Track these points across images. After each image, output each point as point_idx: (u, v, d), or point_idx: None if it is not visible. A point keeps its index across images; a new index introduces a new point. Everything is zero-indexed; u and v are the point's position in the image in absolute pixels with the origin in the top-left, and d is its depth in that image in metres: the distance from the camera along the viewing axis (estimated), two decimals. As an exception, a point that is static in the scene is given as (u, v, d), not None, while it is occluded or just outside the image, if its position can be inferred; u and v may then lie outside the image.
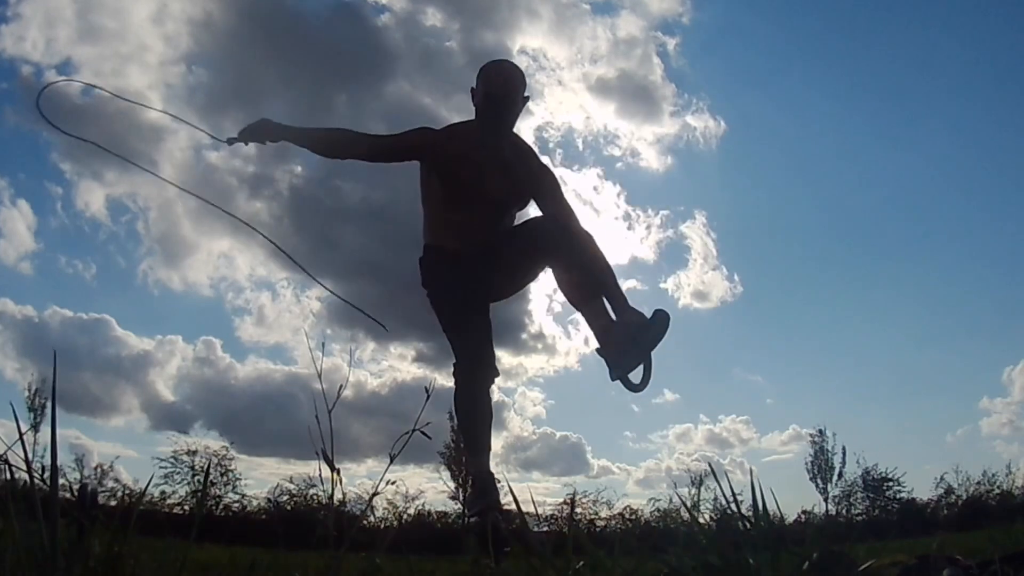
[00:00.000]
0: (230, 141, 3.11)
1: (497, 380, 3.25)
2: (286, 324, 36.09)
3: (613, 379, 2.97)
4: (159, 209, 38.74)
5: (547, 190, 3.22)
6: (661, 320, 2.86)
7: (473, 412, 3.19)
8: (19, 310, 33.93)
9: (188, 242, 40.94)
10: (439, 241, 3.25)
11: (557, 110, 45.42)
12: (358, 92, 36.32)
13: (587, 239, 3.08)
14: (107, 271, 38.64)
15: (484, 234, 3.20)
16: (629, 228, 38.23)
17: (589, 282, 3.04)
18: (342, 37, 34.71)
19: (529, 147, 3.27)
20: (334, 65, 34.78)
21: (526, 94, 3.20)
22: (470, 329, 3.16)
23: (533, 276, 3.30)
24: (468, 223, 3.19)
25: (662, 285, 38.78)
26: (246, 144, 3.12)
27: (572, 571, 1.63)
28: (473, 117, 3.22)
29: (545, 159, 3.33)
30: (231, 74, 37.14)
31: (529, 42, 42.57)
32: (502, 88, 3.11)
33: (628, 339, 2.89)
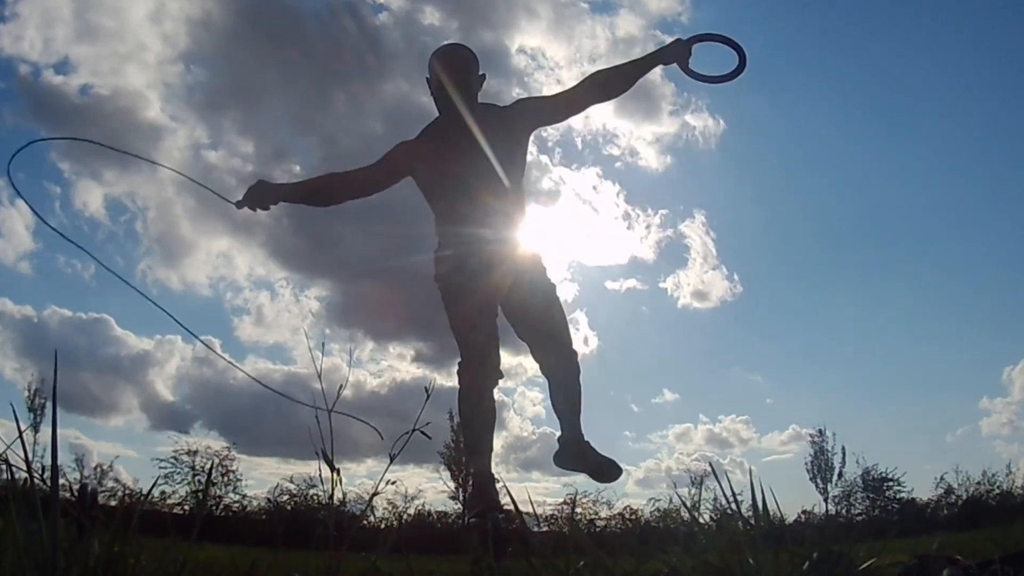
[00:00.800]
0: (238, 205, 3.16)
1: (500, 381, 3.25)
2: (285, 324, 36.11)
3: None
4: (157, 209, 38.80)
5: (537, 112, 3.26)
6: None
7: (476, 413, 3.18)
8: (18, 310, 33.97)
9: (187, 242, 40.93)
10: (450, 234, 3.25)
11: (556, 109, 45.33)
12: (356, 91, 36.35)
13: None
14: (105, 271, 38.63)
15: (490, 239, 3.19)
16: (628, 228, 38.25)
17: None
18: (340, 36, 34.73)
19: (493, 105, 3.26)
20: (332, 64, 34.80)
21: (480, 72, 3.20)
22: (478, 329, 3.16)
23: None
24: (470, 216, 3.18)
25: (661, 285, 38.88)
26: (253, 210, 3.15)
27: (572, 571, 1.63)
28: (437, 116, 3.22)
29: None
30: (230, 73, 37.18)
31: (528, 41, 42.67)
32: (454, 74, 3.11)
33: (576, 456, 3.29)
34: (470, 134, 3.12)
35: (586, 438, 3.25)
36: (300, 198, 3.25)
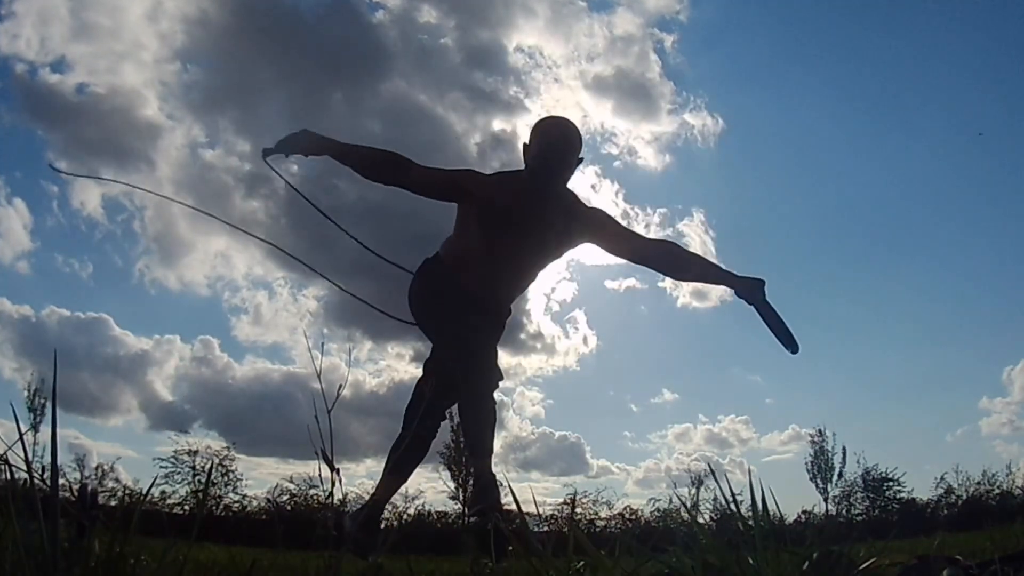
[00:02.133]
0: (265, 153, 2.98)
1: (500, 382, 3.25)
2: (283, 323, 36.12)
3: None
4: (155, 208, 38.76)
5: (604, 233, 3.17)
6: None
7: (477, 414, 3.19)
8: (16, 309, 33.95)
9: (185, 241, 40.92)
10: (456, 267, 3.23)
11: (554, 108, 45.41)
12: (354, 90, 36.32)
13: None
14: (104, 270, 38.70)
15: (503, 282, 3.20)
16: (628, 227, 38.19)
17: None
18: (337, 34, 34.73)
19: (575, 198, 3.15)
20: (330, 63, 34.79)
21: (581, 155, 3.07)
22: (470, 329, 3.16)
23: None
24: (493, 268, 3.17)
25: (660, 284, 38.86)
26: (286, 156, 2.99)
27: (572, 571, 1.63)
28: (521, 168, 3.10)
29: (596, 203, 3.24)
30: (226, 72, 37.14)
31: (525, 40, 42.61)
32: (560, 152, 3.00)
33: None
34: (544, 203, 3.06)
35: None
36: (352, 160, 3.06)
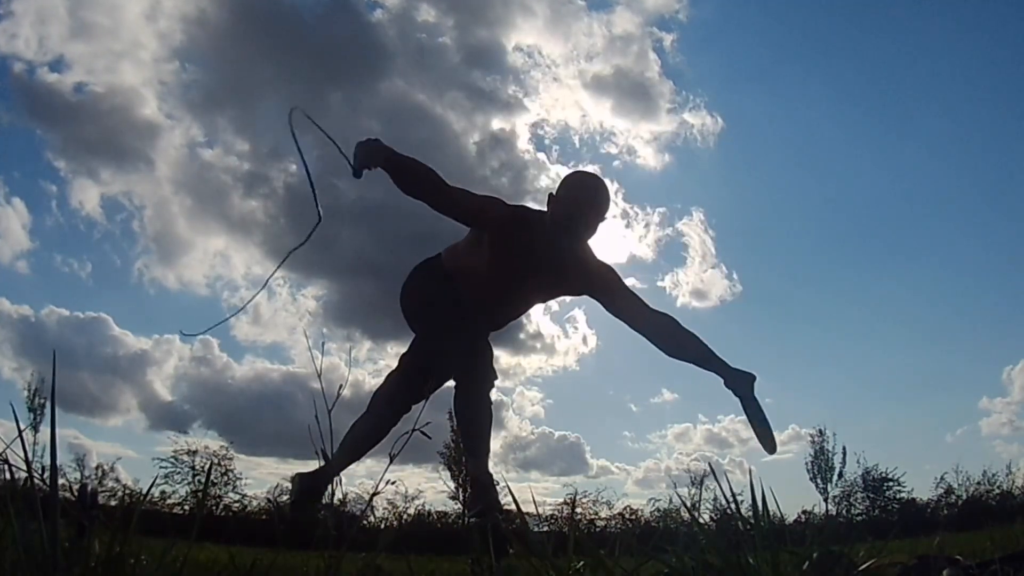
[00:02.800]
0: (357, 174, 3.03)
1: (496, 381, 3.26)
2: (282, 323, 36.19)
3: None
4: (154, 207, 38.87)
5: (609, 293, 3.17)
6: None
7: (474, 415, 3.19)
8: (15, 309, 34.02)
9: (184, 240, 41.03)
10: (455, 276, 3.25)
11: (553, 107, 45.60)
12: (353, 89, 36.40)
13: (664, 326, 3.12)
14: (103, 270, 38.78)
15: (498, 308, 3.23)
16: (627, 226, 38.23)
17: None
18: (336, 33, 34.75)
19: (588, 255, 3.14)
20: (328, 61, 34.83)
21: (606, 215, 3.03)
22: (467, 330, 3.16)
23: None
24: (492, 292, 3.19)
25: (660, 283, 38.82)
26: (371, 168, 3.02)
27: (572, 571, 1.63)
28: (545, 209, 3.07)
29: (605, 260, 3.19)
30: (225, 71, 37.25)
31: (524, 39, 42.81)
32: (587, 217, 2.97)
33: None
34: (552, 262, 3.08)
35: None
36: (397, 173, 3.08)
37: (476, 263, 3.18)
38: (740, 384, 3.01)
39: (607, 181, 3.06)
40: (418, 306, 3.32)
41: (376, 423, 3.13)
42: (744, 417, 3.04)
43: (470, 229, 3.21)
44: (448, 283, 3.24)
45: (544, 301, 3.37)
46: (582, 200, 2.96)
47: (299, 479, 3.27)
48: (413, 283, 3.35)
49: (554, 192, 3.05)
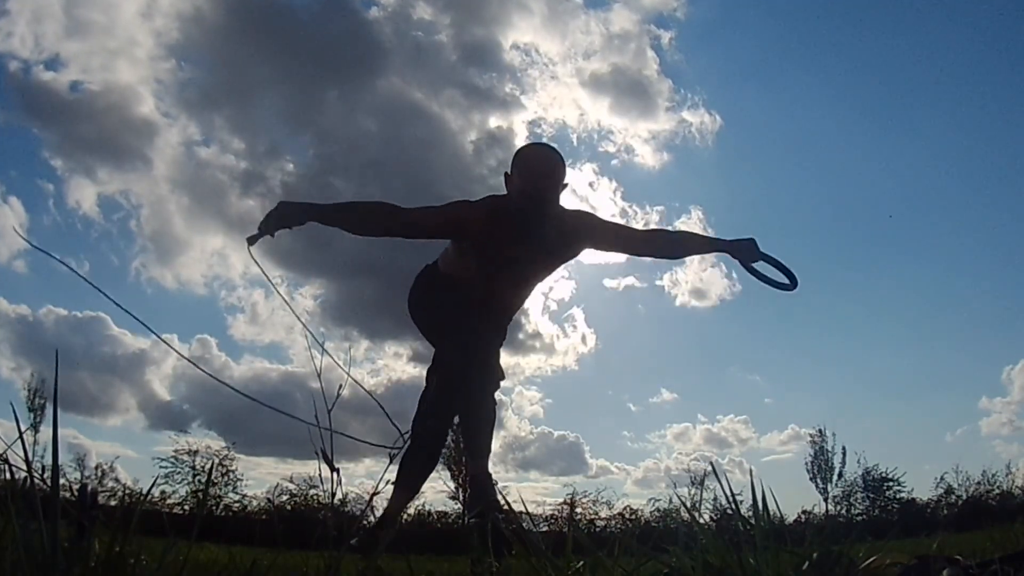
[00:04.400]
0: (251, 240, 2.92)
1: (502, 382, 3.26)
2: (280, 322, 36.09)
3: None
4: (151, 207, 38.81)
5: (596, 239, 3.19)
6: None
7: (476, 414, 3.19)
8: (13, 309, 33.98)
9: (181, 240, 40.98)
10: (456, 279, 3.25)
11: (550, 106, 45.49)
12: (349, 87, 36.34)
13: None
14: (100, 269, 38.57)
15: (501, 301, 3.22)
16: (615, 223, 38.13)
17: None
18: (332, 31, 34.72)
19: (563, 217, 3.11)
20: (325, 60, 34.81)
21: (566, 181, 3.04)
22: (472, 329, 3.16)
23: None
24: (490, 288, 3.18)
25: (658, 283, 38.85)
26: (272, 236, 2.92)
27: (572, 571, 1.63)
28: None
29: (594, 201, 3.30)
30: (222, 70, 37.15)
31: (521, 37, 42.75)
32: (542, 187, 2.96)
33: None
34: (528, 245, 3.07)
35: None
36: (337, 221, 3.01)
37: (466, 265, 3.19)
38: (747, 253, 3.09)
39: (556, 148, 3.05)
40: (426, 313, 3.32)
41: (417, 448, 3.12)
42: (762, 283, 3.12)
43: (457, 246, 3.21)
44: (450, 286, 3.24)
45: (547, 274, 3.32)
46: (536, 173, 2.96)
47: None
48: (416, 294, 3.35)
49: (508, 171, 3.04)
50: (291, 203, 2.92)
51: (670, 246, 3.23)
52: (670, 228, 3.33)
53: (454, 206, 3.06)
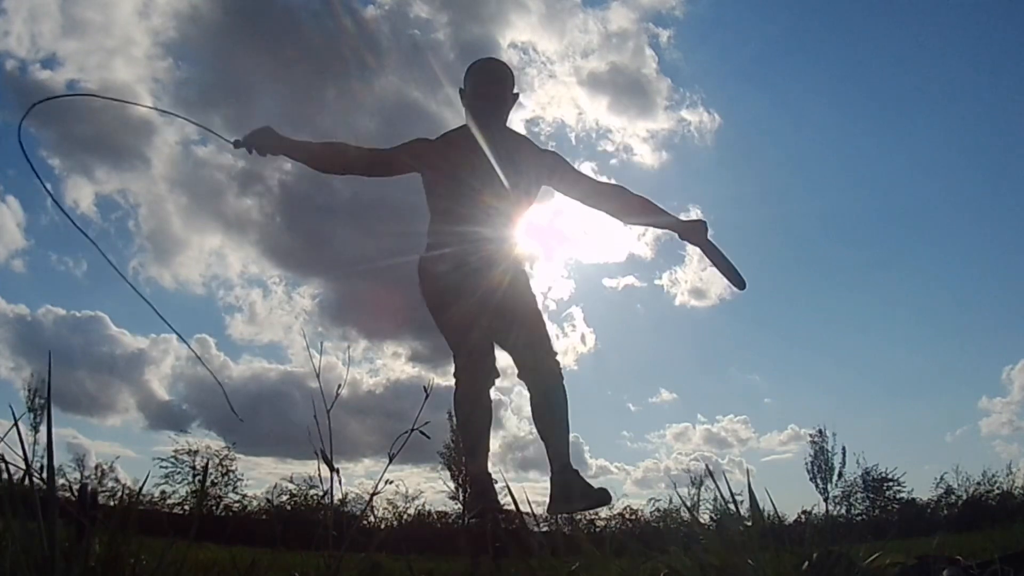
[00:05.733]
0: (236, 144, 3.08)
1: (496, 380, 3.25)
2: (278, 322, 36.09)
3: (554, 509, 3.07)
4: (149, 206, 38.82)
5: (557, 173, 3.27)
6: (599, 498, 2.98)
7: (473, 415, 3.18)
8: (11, 308, 34.01)
9: (179, 239, 40.89)
10: (444, 242, 3.24)
11: (548, 105, 45.39)
12: (347, 86, 36.25)
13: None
14: (98, 268, 38.65)
15: (491, 238, 3.20)
16: (625, 224, 38.11)
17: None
18: (330, 30, 34.70)
19: (525, 137, 3.29)
20: (322, 58, 34.76)
21: (515, 90, 3.22)
22: (474, 329, 3.16)
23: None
24: (474, 228, 3.19)
25: (658, 282, 38.90)
26: (249, 152, 3.08)
27: (570, 571, 1.64)
28: (463, 122, 3.22)
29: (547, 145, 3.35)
30: (219, 68, 37.13)
31: (518, 36, 42.50)
32: (492, 87, 3.13)
33: (563, 490, 3.02)
34: (497, 155, 3.13)
35: (572, 464, 3.09)
36: (304, 157, 3.18)
37: (441, 214, 3.23)
38: (694, 233, 3.12)
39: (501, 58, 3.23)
40: (432, 311, 3.30)
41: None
42: (714, 268, 3.12)
43: (425, 192, 3.26)
44: (438, 276, 3.23)
45: (522, 203, 3.30)
46: (487, 79, 3.13)
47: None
48: (421, 288, 3.34)
49: (462, 87, 3.20)
50: (273, 131, 3.08)
51: (626, 207, 3.28)
52: (633, 191, 3.34)
53: (413, 141, 3.22)
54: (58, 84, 34.47)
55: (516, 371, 3.22)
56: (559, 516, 3.17)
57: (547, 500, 3.11)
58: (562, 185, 3.28)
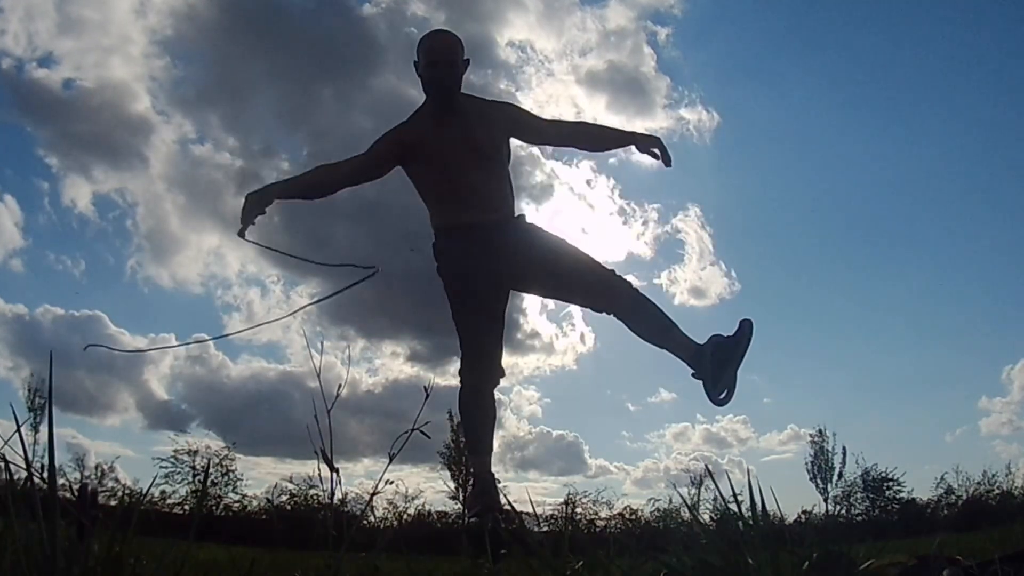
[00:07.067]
0: (241, 234, 3.12)
1: (502, 379, 3.25)
2: (277, 322, 35.90)
3: (714, 402, 3.07)
4: (147, 205, 38.83)
5: (520, 123, 3.30)
6: (745, 331, 3.00)
7: (477, 413, 3.19)
8: (10, 308, 33.98)
9: (177, 239, 40.85)
10: (446, 222, 3.25)
11: (546, 103, 45.32)
12: (344, 85, 36.22)
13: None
14: (97, 268, 38.67)
15: (484, 204, 3.20)
16: (625, 223, 38.13)
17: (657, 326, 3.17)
18: (327, 28, 34.61)
19: (480, 97, 3.32)
20: (319, 57, 34.69)
21: (466, 57, 3.24)
22: (480, 325, 3.16)
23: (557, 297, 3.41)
24: (463, 200, 3.19)
25: (656, 281, 38.81)
26: (254, 224, 3.12)
27: (570, 571, 1.64)
28: (423, 102, 3.26)
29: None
30: (216, 67, 37.17)
31: (516, 34, 42.61)
32: (443, 54, 3.16)
33: (716, 361, 3.03)
34: (453, 114, 3.18)
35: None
36: (295, 194, 3.24)
37: (431, 197, 3.27)
38: (650, 143, 3.23)
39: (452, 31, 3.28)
40: (445, 279, 3.31)
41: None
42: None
43: (415, 187, 3.29)
44: (449, 264, 3.22)
45: (496, 161, 3.31)
46: (436, 48, 3.17)
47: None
48: (442, 271, 3.33)
49: (416, 59, 3.23)
50: (253, 193, 3.12)
51: (593, 141, 3.47)
52: (594, 122, 3.44)
53: (381, 136, 3.26)
54: (55, 83, 34.48)
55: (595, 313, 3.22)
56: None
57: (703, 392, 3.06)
58: (528, 134, 3.34)
